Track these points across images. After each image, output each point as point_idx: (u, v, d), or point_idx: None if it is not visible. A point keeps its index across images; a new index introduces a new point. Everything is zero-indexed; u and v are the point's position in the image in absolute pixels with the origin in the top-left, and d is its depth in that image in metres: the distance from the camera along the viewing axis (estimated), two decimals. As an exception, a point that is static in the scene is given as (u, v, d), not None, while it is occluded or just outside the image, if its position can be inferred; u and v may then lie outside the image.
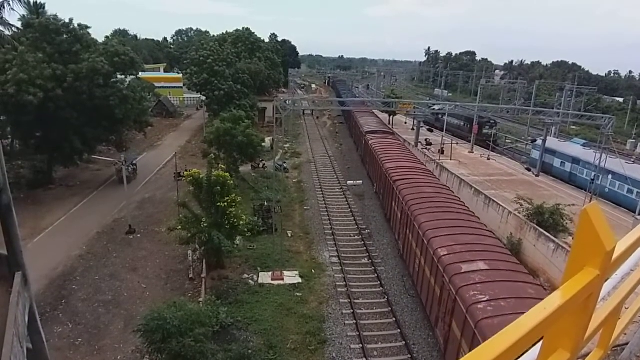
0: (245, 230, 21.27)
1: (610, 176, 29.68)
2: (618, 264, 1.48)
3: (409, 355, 15.53)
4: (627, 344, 2.46)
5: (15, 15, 29.71)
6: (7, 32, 29.88)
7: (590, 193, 27.26)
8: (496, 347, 0.97)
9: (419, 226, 18.17)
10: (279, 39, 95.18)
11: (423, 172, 27.15)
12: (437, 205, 20.21)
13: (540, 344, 1.33)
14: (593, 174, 28.94)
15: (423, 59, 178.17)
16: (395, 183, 24.22)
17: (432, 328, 16.09)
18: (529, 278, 14.21)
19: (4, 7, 28.30)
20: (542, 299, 1.15)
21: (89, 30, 31.27)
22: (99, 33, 46.38)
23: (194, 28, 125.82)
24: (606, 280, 1.60)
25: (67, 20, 29.78)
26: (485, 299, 12.31)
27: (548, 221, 22.05)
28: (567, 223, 21.93)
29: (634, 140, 55.62)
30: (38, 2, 34.34)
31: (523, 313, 1.07)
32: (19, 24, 30.17)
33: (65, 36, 29.27)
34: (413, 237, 18.99)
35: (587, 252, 1.26)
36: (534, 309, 1.10)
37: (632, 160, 32.92)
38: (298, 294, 19.21)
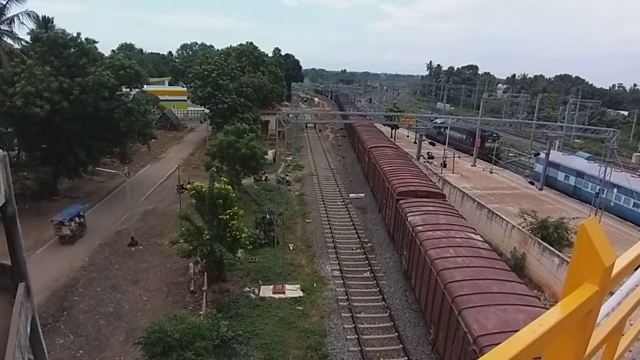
0: (247, 243, 21.25)
1: (615, 190, 29.47)
2: (618, 279, 1.47)
3: (412, 371, 15.33)
4: (631, 360, 2.43)
5: (24, 29, 30.43)
6: (16, 46, 30.52)
7: (595, 207, 27.08)
8: None
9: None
10: (283, 53, 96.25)
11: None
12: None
13: None
14: (598, 187, 28.75)
15: (425, 72, 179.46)
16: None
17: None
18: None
19: (14, 21, 28.95)
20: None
21: (96, 45, 31.88)
22: (106, 47, 47.22)
23: (199, 42, 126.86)
24: (611, 295, 1.59)
25: (74, 35, 30.36)
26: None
27: (552, 235, 21.90)
28: (571, 237, 21.74)
29: (639, 154, 55.34)
30: (47, 16, 35.12)
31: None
32: (27, 38, 30.86)
33: (72, 50, 29.78)
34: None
35: (586, 268, 1.25)
36: (531, 325, 1.09)
37: (638, 173, 32.65)
38: (299, 308, 19.04)
